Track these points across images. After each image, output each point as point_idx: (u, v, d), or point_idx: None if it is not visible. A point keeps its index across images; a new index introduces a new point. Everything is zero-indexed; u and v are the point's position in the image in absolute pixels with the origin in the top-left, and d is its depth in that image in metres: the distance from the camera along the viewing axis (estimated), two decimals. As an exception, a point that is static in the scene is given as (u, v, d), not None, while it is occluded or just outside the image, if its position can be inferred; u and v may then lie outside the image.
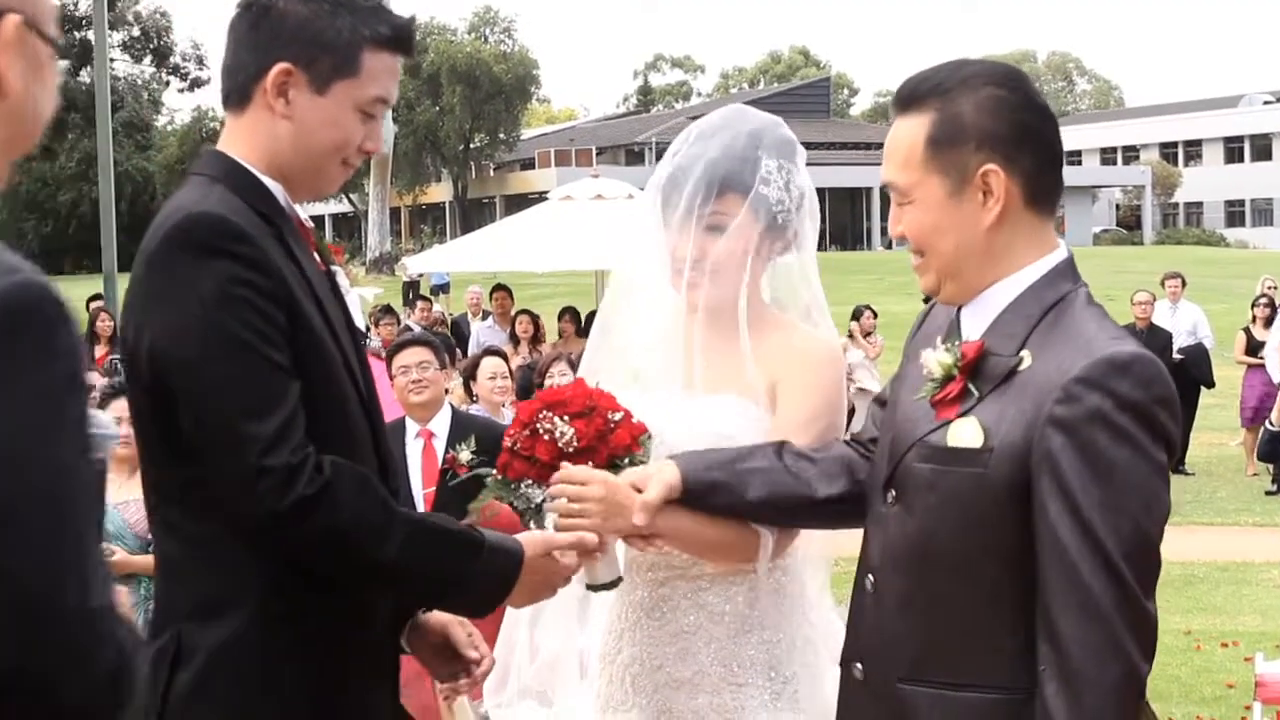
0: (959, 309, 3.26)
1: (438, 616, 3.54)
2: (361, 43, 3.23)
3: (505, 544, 3.33)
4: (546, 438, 3.55)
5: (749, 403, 3.78)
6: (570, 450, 3.53)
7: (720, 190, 3.77)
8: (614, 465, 3.56)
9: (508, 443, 3.63)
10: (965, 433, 3.07)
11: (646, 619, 3.87)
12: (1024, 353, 3.06)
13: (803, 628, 3.89)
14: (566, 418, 3.55)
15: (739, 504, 3.57)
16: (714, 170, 3.78)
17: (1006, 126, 3.11)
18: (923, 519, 3.14)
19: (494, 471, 3.67)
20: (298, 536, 3.04)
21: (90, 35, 55.67)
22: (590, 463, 3.53)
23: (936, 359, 3.16)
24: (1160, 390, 2.96)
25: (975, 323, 3.19)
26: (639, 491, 3.52)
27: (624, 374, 3.92)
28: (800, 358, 3.79)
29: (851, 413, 16.71)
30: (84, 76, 71.85)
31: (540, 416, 3.57)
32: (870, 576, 3.30)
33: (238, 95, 3.28)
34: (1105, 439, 2.90)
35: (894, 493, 3.22)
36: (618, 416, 3.59)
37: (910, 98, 3.20)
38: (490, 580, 3.28)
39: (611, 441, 3.55)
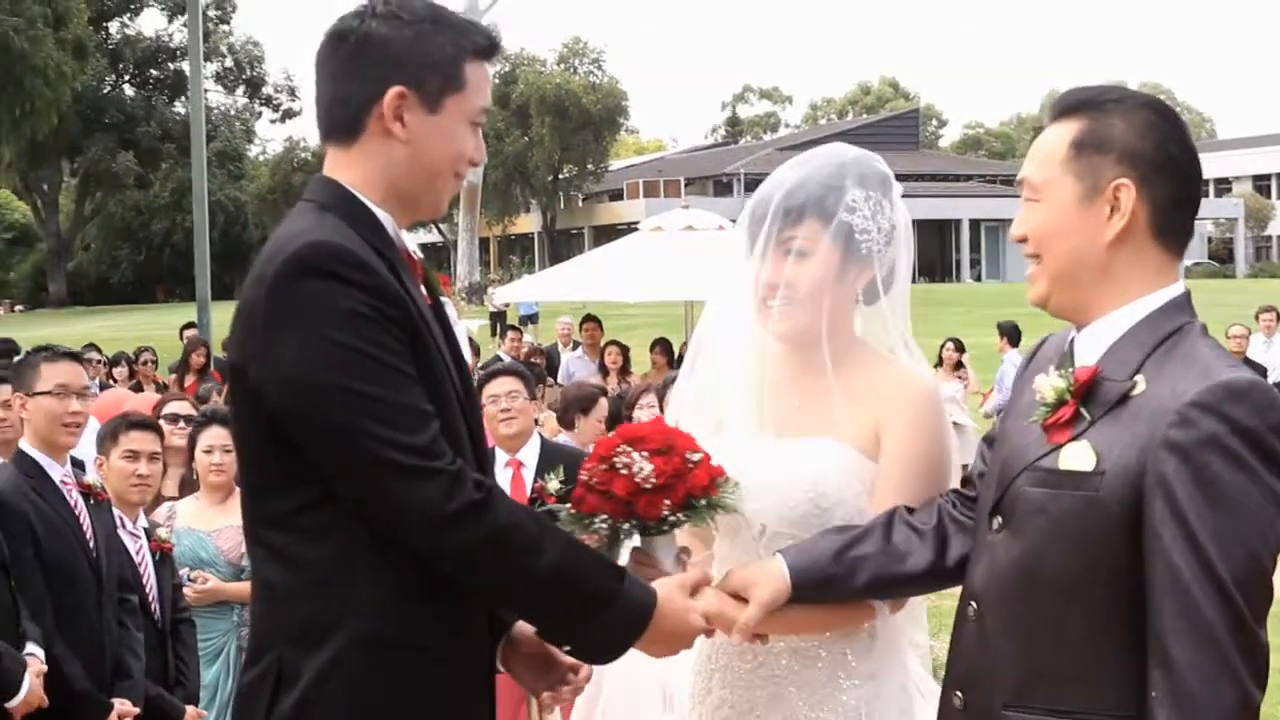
0: (1072, 338, 3.25)
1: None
2: (463, 56, 3.28)
3: (640, 581, 3.33)
4: (624, 472, 3.49)
5: (844, 446, 3.71)
6: (647, 487, 3.48)
7: (800, 215, 3.72)
8: (691, 506, 3.51)
9: (584, 477, 3.59)
10: (1077, 456, 3.06)
11: (738, 661, 3.81)
12: (1138, 378, 3.05)
13: (898, 674, 3.82)
14: (645, 453, 3.51)
15: (849, 592, 3.57)
16: (796, 195, 3.74)
17: (1151, 149, 3.12)
18: (1032, 542, 3.12)
19: (567, 507, 3.62)
20: (467, 539, 3.06)
21: (185, 66, 56.35)
22: (668, 500, 3.48)
23: (1049, 383, 3.15)
24: (1276, 418, 2.93)
25: (1089, 350, 3.18)
26: (740, 597, 3.51)
27: (709, 413, 3.88)
28: (902, 397, 3.72)
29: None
30: (179, 107, 72.83)
31: (619, 451, 3.53)
32: (973, 604, 3.28)
33: (347, 126, 3.28)
34: (1220, 464, 2.88)
35: (1000, 519, 3.21)
36: (696, 457, 3.53)
37: (1067, 106, 3.23)
38: (631, 608, 3.26)
39: (689, 481, 3.50)
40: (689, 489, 3.50)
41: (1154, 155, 3.12)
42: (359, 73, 3.25)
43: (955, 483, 3.73)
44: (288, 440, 3.08)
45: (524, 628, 3.52)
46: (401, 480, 3.02)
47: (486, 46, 3.33)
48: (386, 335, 3.06)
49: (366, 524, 3.08)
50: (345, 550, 3.10)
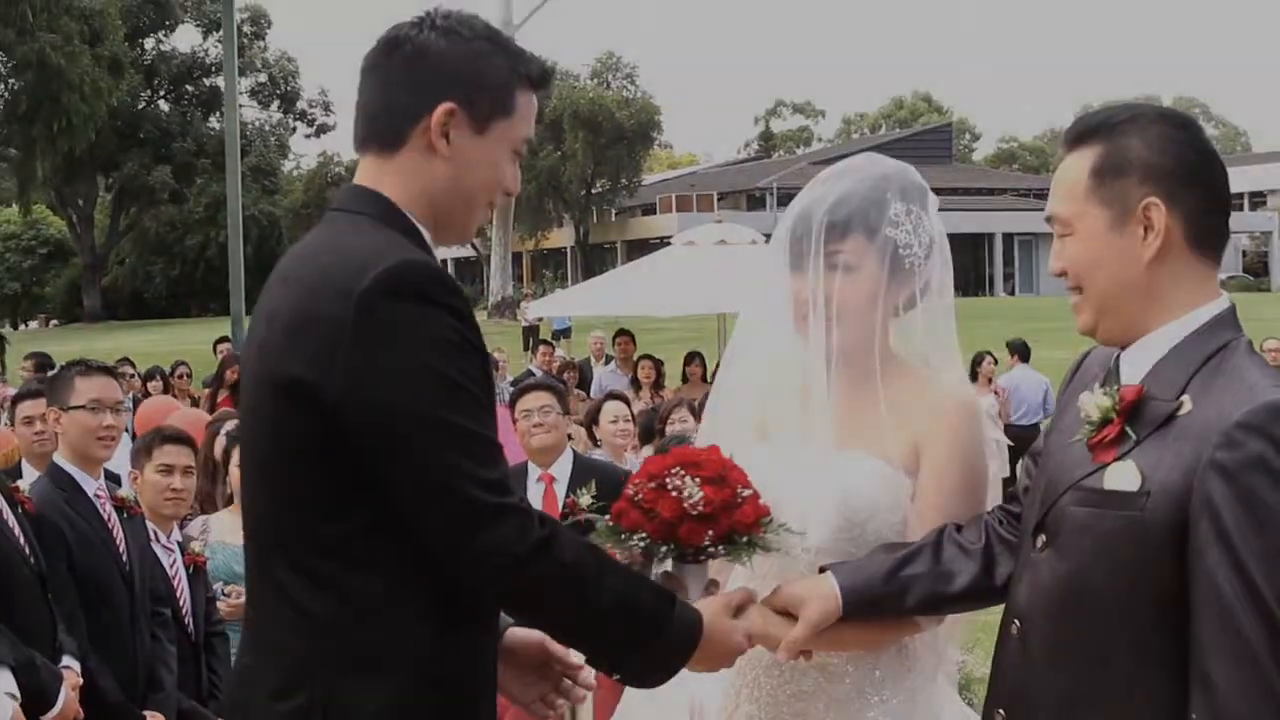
0: (1117, 356, 3.23)
1: (530, 632, 3.48)
2: (516, 82, 3.25)
3: (686, 604, 3.31)
4: (674, 494, 3.45)
5: (880, 461, 3.68)
6: (694, 514, 3.44)
7: (845, 230, 3.69)
8: (732, 540, 3.48)
9: (630, 491, 3.55)
10: (1122, 476, 3.04)
11: (765, 677, 3.80)
12: (1184, 397, 3.02)
13: (926, 690, 3.80)
14: (699, 480, 3.46)
15: (898, 611, 3.56)
16: (839, 210, 3.70)
17: (1172, 162, 3.09)
18: (1075, 562, 3.10)
19: (605, 517, 3.60)
20: (536, 576, 3.03)
21: (220, 82, 56.56)
22: (711, 531, 3.44)
23: (1095, 402, 3.13)
24: None
25: (1135, 368, 3.16)
26: (788, 613, 3.50)
27: (747, 424, 3.85)
28: (941, 414, 3.69)
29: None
30: (213, 122, 73.08)
31: (672, 472, 3.48)
32: (1016, 622, 3.27)
33: (389, 136, 3.22)
34: (1266, 486, 2.85)
35: (1044, 537, 3.19)
36: (746, 493, 3.49)
37: (1081, 133, 3.20)
38: (681, 633, 3.24)
39: (735, 515, 3.46)
40: (733, 523, 3.46)
41: (1176, 168, 3.09)
42: (410, 83, 3.19)
43: (994, 497, 3.71)
44: (346, 462, 2.99)
45: (517, 635, 3.49)
46: (482, 517, 2.98)
47: (539, 76, 3.30)
48: (471, 364, 3.02)
49: (411, 553, 3.02)
50: (393, 579, 3.04)
